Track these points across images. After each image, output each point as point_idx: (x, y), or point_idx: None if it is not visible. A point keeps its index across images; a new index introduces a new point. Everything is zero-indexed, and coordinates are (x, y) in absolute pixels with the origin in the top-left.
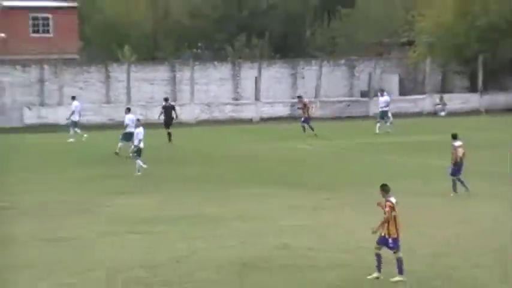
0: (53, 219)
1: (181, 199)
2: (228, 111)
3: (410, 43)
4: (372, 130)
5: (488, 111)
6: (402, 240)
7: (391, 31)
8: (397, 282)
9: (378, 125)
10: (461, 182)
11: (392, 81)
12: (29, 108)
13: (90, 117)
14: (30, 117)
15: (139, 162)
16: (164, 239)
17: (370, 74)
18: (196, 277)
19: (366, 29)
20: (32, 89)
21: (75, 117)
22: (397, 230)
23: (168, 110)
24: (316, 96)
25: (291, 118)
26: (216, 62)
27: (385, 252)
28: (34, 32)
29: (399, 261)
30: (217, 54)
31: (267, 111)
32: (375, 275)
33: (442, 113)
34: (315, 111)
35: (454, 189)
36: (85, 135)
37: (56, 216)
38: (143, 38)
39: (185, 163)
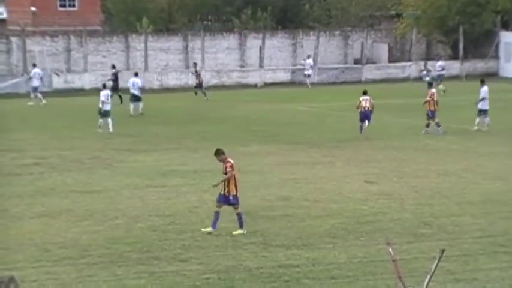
0: (81, 173)
1: (193, 156)
2: (235, 77)
3: (398, 15)
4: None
5: (468, 76)
6: (395, 192)
7: (381, 4)
8: (238, 234)
9: (440, 87)
10: (362, 128)
11: (382, 50)
12: (57, 75)
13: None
14: (58, 82)
15: (100, 121)
16: (178, 191)
17: (362, 44)
18: (206, 224)
19: (358, 2)
20: (59, 57)
21: (35, 83)
22: (236, 187)
23: (116, 76)
24: (314, 63)
25: (291, 83)
26: (224, 33)
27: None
28: (61, 6)
29: (239, 216)
30: (225, 26)
31: (270, 77)
32: (209, 229)
33: (427, 78)
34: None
35: (361, 131)
36: (43, 101)
37: (83, 170)
38: (159, 11)
39: (196, 123)
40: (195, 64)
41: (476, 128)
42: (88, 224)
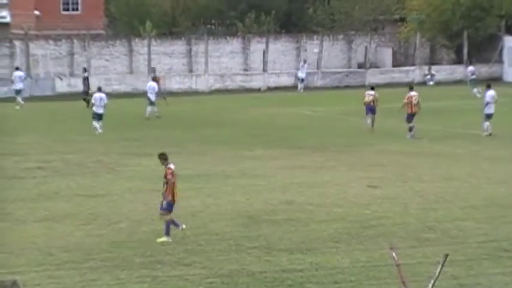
0: (84, 177)
1: (196, 160)
2: (239, 81)
3: (402, 19)
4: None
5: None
6: (398, 196)
7: (385, 9)
8: (163, 242)
9: (475, 90)
10: (372, 121)
11: (386, 54)
12: (60, 79)
13: (115, 87)
14: (61, 86)
15: (94, 124)
16: (181, 196)
17: (366, 48)
18: (210, 229)
19: (362, 6)
20: (62, 61)
21: (19, 86)
22: (173, 194)
23: (86, 80)
24: (317, 68)
25: (294, 87)
26: (228, 37)
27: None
28: (64, 9)
29: (167, 224)
30: (229, 30)
31: (274, 81)
32: (164, 239)
33: (431, 83)
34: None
35: (366, 122)
36: (17, 107)
37: (86, 174)
38: (163, 15)
39: (200, 127)
40: (154, 69)
41: (485, 133)
42: (91, 228)
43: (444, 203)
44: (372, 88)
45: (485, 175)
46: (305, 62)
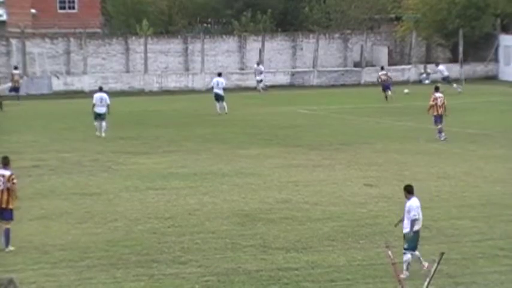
0: (81, 175)
1: (192, 158)
2: (235, 80)
3: (398, 18)
4: (363, 96)
5: (468, 80)
6: (394, 195)
7: (381, 7)
8: (10, 251)
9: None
10: (391, 93)
11: (382, 53)
12: (57, 77)
13: (112, 85)
14: (57, 84)
15: (95, 124)
16: (178, 194)
17: (362, 46)
18: (206, 227)
19: (358, 5)
20: (59, 60)
21: None
22: (12, 200)
23: None
24: (313, 66)
25: (290, 86)
26: (224, 36)
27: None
28: (61, 8)
29: (6, 232)
30: (225, 29)
31: (269, 79)
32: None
33: (427, 81)
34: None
35: (386, 99)
36: None
37: (82, 172)
38: (159, 13)
39: (196, 126)
40: (16, 67)
41: None
42: (87, 227)
43: (440, 201)
44: (383, 68)
45: (481, 174)
46: (258, 64)
